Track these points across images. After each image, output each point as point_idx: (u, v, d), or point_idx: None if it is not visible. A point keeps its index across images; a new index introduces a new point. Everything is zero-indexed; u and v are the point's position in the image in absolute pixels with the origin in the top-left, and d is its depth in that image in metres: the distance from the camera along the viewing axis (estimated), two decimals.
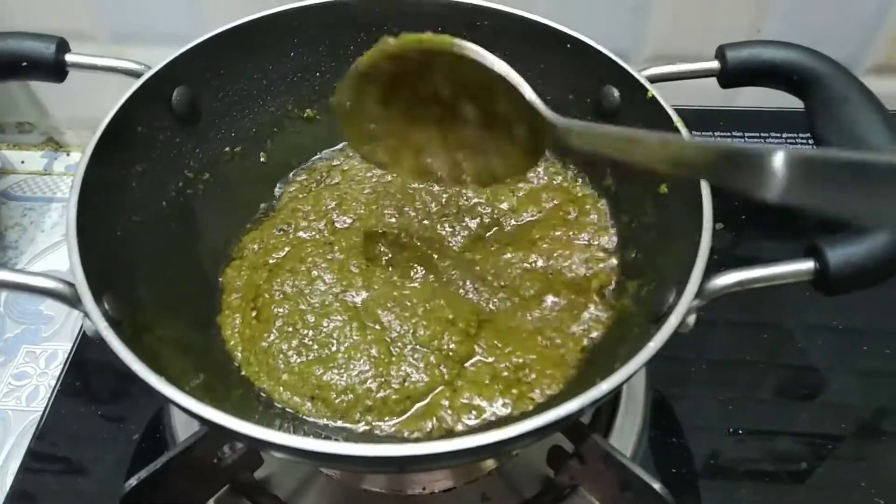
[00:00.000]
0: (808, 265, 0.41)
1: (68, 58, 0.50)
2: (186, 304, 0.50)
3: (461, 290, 0.54)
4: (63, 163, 0.88)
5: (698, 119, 0.81)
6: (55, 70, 0.50)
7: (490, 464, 0.54)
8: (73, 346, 0.63)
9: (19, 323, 0.71)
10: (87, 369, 0.61)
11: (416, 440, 0.45)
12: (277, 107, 0.61)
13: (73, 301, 0.39)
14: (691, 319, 0.41)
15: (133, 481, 0.42)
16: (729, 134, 0.80)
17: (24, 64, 0.49)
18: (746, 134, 0.80)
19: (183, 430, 0.54)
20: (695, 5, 0.75)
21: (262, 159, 0.62)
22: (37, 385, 0.66)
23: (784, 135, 0.80)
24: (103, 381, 0.61)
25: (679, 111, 0.50)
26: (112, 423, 0.58)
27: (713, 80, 0.54)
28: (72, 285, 0.39)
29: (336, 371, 0.49)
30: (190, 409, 0.33)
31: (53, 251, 0.78)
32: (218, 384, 0.46)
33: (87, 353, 0.62)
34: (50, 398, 0.59)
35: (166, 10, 0.76)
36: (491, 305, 0.53)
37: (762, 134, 0.80)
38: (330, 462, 0.42)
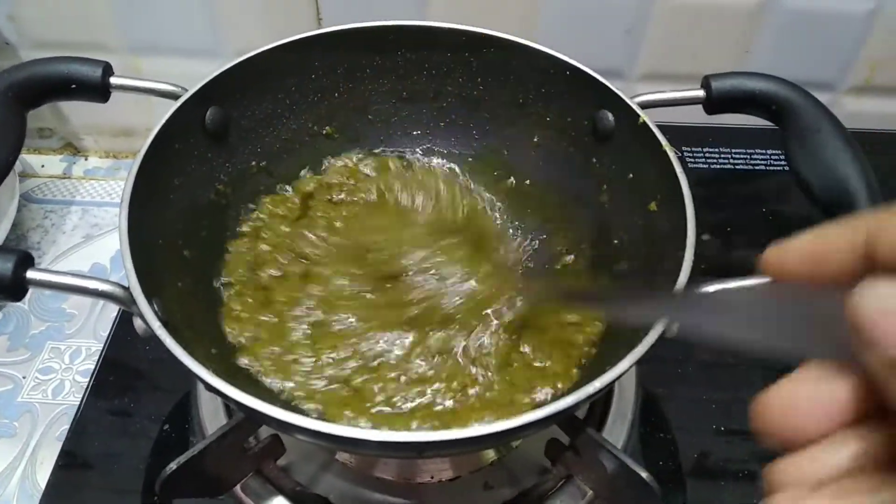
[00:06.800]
0: None
1: (112, 80, 0.54)
2: (214, 303, 0.55)
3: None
4: (81, 167, 0.91)
5: (687, 136, 0.85)
6: (101, 92, 0.54)
7: (492, 455, 0.58)
8: (104, 346, 0.66)
9: (44, 320, 0.73)
10: (117, 367, 0.65)
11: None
12: (299, 124, 0.64)
13: (126, 303, 0.42)
14: (675, 325, 0.46)
15: (173, 465, 0.46)
16: (717, 150, 0.85)
17: (73, 86, 0.52)
18: (733, 150, 0.85)
19: (210, 422, 0.58)
20: (685, 27, 0.79)
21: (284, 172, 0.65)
22: (62, 380, 0.68)
23: (769, 151, 0.85)
24: (131, 378, 0.64)
25: (669, 128, 0.54)
26: (140, 418, 0.61)
27: None
28: (126, 289, 0.42)
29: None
30: (239, 401, 0.37)
31: (75, 252, 0.81)
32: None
33: (114, 351, 0.66)
34: (84, 395, 0.63)
35: (183, 24, 0.79)
36: None
37: (748, 150, 0.85)
38: (354, 447, 0.46)
